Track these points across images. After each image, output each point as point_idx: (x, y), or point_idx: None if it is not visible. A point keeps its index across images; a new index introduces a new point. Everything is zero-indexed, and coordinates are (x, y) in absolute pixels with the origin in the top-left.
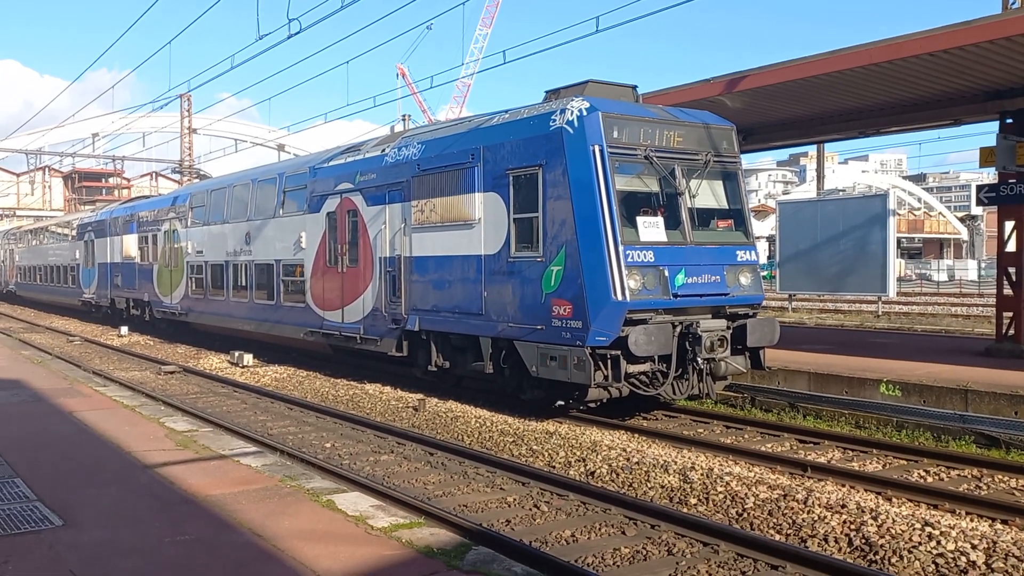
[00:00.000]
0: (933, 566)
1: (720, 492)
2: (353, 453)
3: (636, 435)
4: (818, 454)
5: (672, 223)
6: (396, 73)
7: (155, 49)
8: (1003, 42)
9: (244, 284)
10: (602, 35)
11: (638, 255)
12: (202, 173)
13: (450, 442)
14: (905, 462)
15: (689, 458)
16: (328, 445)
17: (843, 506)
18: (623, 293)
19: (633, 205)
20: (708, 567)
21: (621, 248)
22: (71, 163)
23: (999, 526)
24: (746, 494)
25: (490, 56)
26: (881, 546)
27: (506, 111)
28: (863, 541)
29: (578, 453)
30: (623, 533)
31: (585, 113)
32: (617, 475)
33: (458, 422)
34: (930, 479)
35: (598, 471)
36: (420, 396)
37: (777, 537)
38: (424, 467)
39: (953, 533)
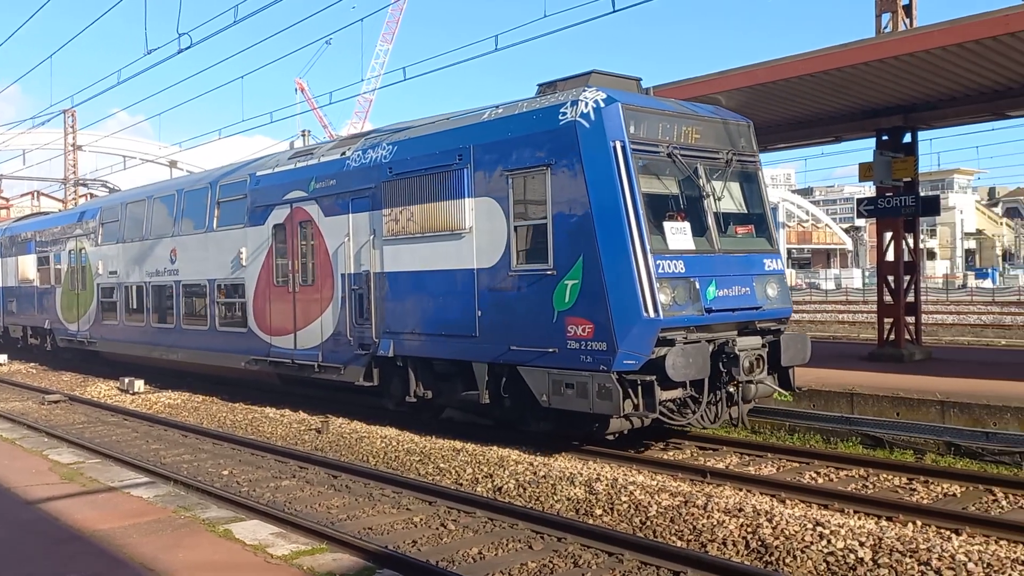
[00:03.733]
0: (824, 564)
1: (624, 502)
2: (253, 479)
3: (542, 448)
4: (716, 460)
5: (698, 229)
6: (295, 88)
7: (38, 61)
8: (876, 64)
9: (169, 308)
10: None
11: (668, 265)
12: (110, 186)
13: (355, 464)
14: (798, 464)
15: (595, 469)
16: (226, 472)
17: (740, 510)
18: (655, 309)
19: (658, 209)
20: None
21: (651, 258)
22: None
23: (884, 523)
24: (649, 502)
25: (391, 72)
26: (776, 547)
27: (497, 105)
28: (759, 543)
29: (485, 469)
30: (530, 547)
31: (603, 105)
32: (524, 490)
33: (363, 443)
34: (821, 480)
35: (505, 486)
36: (323, 418)
37: (679, 543)
38: (327, 491)
39: (842, 532)
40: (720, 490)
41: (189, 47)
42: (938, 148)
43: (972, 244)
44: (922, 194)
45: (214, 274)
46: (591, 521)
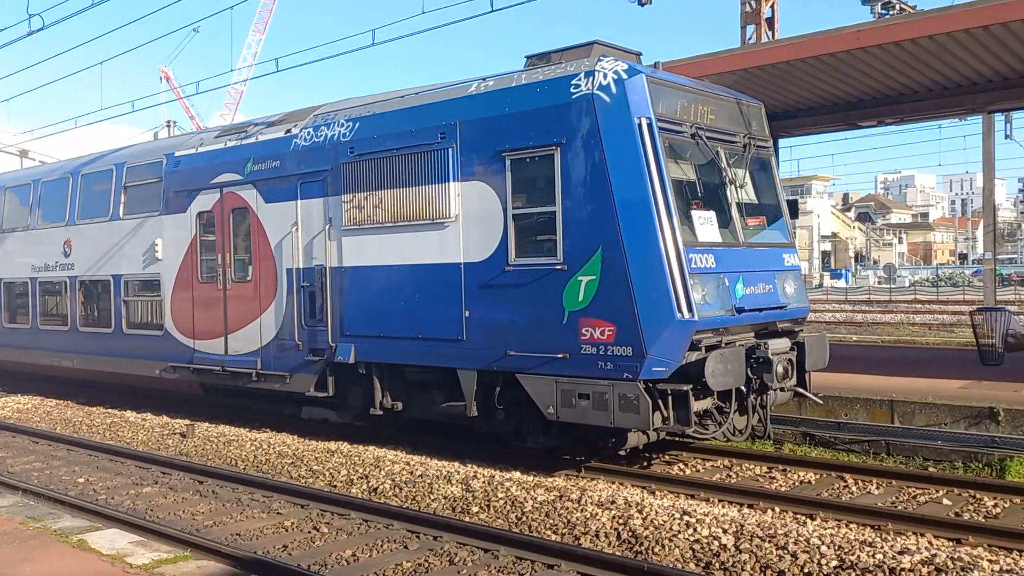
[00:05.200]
0: (691, 552)
1: (501, 498)
2: (111, 487)
3: (419, 449)
4: (590, 454)
5: (722, 220)
6: (160, 76)
7: None
8: (742, 72)
9: (63, 307)
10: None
11: (700, 260)
12: None
13: (222, 468)
14: (668, 457)
15: (472, 467)
16: (81, 480)
17: (612, 502)
18: (689, 309)
19: (683, 196)
20: (489, 572)
21: (683, 251)
22: None
23: (746, 510)
24: (525, 498)
25: (264, 63)
26: (646, 537)
27: (485, 77)
28: (630, 534)
29: (361, 470)
30: (406, 547)
31: (625, 76)
32: (401, 489)
33: (232, 446)
34: (688, 472)
35: (381, 487)
36: (188, 421)
37: (553, 537)
38: (192, 497)
39: (707, 520)
40: (594, 484)
41: (41, 29)
42: (798, 155)
43: (828, 246)
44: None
45: (121, 269)
46: (468, 519)
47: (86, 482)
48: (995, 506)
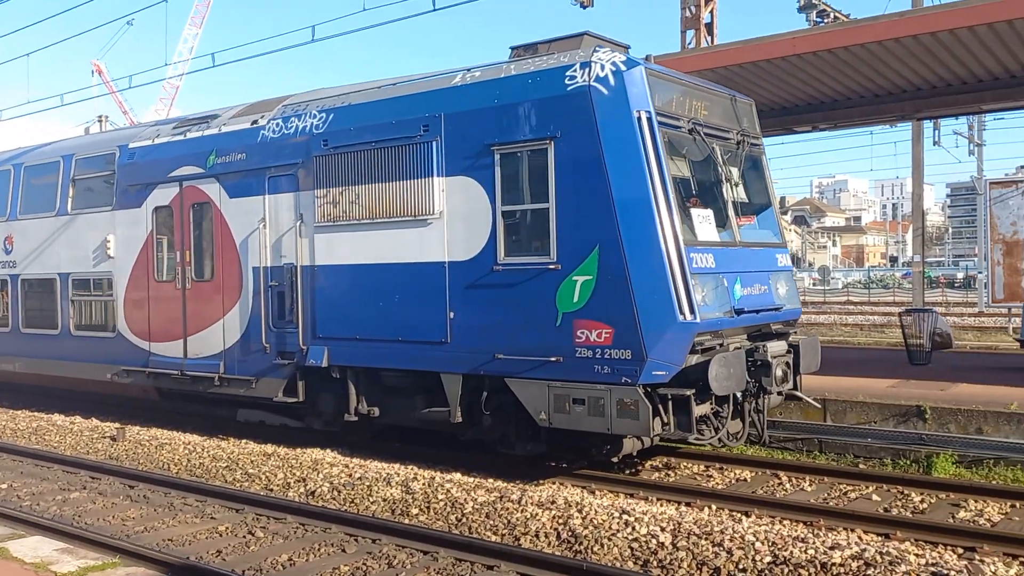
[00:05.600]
0: (629, 550)
1: (441, 500)
2: (36, 493)
3: (358, 451)
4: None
5: (719, 218)
6: (92, 70)
7: None
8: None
9: (3, 309)
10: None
11: (700, 259)
12: None
13: (154, 472)
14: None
15: (412, 469)
16: (4, 486)
17: (553, 502)
18: (692, 311)
19: (681, 194)
20: (427, 574)
21: (684, 249)
22: None
23: (683, 508)
24: (465, 499)
25: (200, 57)
26: (585, 536)
27: (469, 68)
28: (570, 533)
29: (298, 473)
30: (343, 551)
31: (623, 68)
32: (339, 492)
33: (164, 450)
34: (627, 471)
35: (319, 490)
36: (119, 425)
37: (493, 538)
38: (123, 502)
39: (646, 518)
40: (535, 484)
41: None
42: None
43: None
44: None
45: (68, 267)
46: (407, 521)
47: (9, 488)
48: (922, 501)
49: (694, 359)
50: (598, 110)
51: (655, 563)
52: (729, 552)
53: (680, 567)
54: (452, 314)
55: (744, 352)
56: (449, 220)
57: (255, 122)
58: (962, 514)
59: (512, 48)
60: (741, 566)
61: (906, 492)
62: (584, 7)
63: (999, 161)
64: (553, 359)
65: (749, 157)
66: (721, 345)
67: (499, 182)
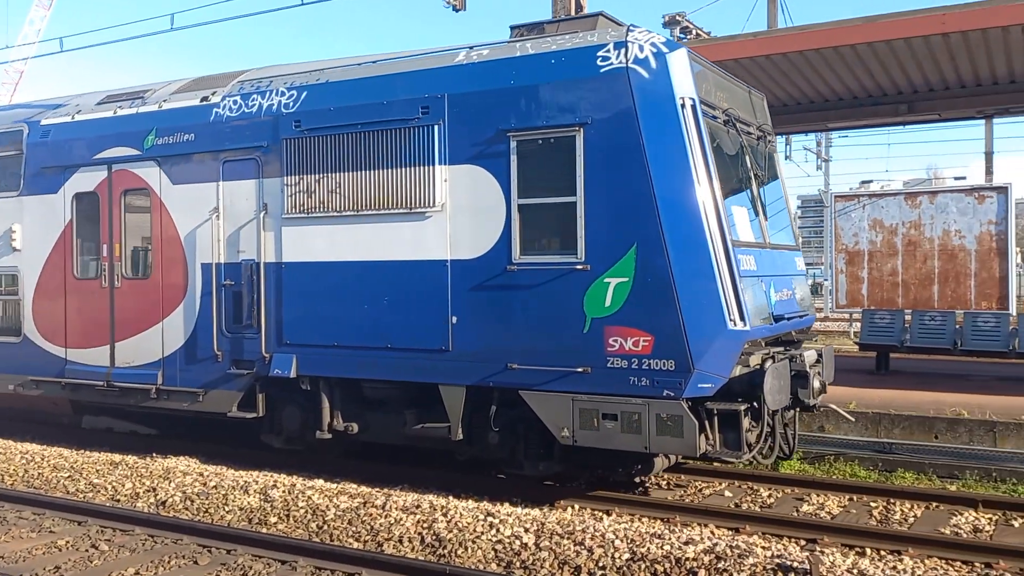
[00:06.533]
0: (493, 552)
1: (302, 507)
2: None
3: (213, 458)
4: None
5: (752, 218)
6: None
7: None
8: None
9: None
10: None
11: (745, 261)
12: None
13: None
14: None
15: (272, 476)
16: None
17: (418, 507)
18: (742, 318)
19: (723, 190)
20: None
21: (732, 251)
22: None
23: (547, 508)
24: (327, 506)
25: (47, 41)
26: (450, 540)
27: (473, 46)
28: (434, 537)
29: (148, 483)
30: (196, 563)
31: (666, 49)
32: (192, 502)
33: None
34: (492, 474)
35: (170, 500)
36: None
37: (356, 545)
38: None
39: (510, 520)
40: (399, 489)
41: None
42: None
43: None
44: None
45: None
46: (265, 530)
47: None
48: (770, 496)
49: (738, 370)
50: (638, 95)
51: (518, 564)
52: (590, 550)
53: (543, 567)
54: (455, 319)
55: (787, 362)
56: (452, 213)
57: (205, 99)
58: (805, 508)
59: (512, 27)
60: (601, 564)
61: (755, 488)
62: (457, 10)
63: (844, 176)
64: (580, 370)
65: (768, 153)
66: (769, 355)
67: (515, 172)
